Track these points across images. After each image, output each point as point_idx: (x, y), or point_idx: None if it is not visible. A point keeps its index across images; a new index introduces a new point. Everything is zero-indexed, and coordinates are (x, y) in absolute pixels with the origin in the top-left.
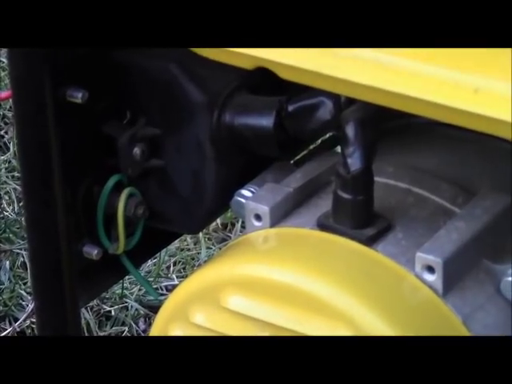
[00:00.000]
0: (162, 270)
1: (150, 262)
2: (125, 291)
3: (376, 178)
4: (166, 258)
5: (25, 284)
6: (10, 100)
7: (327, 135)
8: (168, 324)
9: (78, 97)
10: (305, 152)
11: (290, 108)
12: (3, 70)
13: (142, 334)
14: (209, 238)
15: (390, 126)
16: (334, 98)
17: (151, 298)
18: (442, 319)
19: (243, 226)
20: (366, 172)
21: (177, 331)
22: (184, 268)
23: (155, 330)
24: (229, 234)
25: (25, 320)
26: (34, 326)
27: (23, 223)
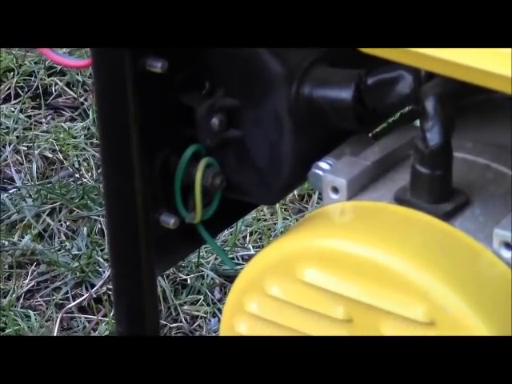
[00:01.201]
0: (239, 239)
1: (226, 232)
2: (201, 260)
3: (454, 153)
4: (243, 227)
5: (102, 251)
6: (90, 67)
7: (406, 109)
8: (243, 294)
9: (158, 66)
10: (383, 125)
11: (369, 81)
12: None
13: (218, 303)
14: (285, 209)
15: (469, 102)
16: (414, 72)
17: (227, 267)
18: None
19: (320, 198)
20: (445, 147)
21: (252, 302)
22: (260, 238)
23: (230, 300)
24: (305, 205)
25: (101, 286)
26: (110, 292)
27: (101, 190)
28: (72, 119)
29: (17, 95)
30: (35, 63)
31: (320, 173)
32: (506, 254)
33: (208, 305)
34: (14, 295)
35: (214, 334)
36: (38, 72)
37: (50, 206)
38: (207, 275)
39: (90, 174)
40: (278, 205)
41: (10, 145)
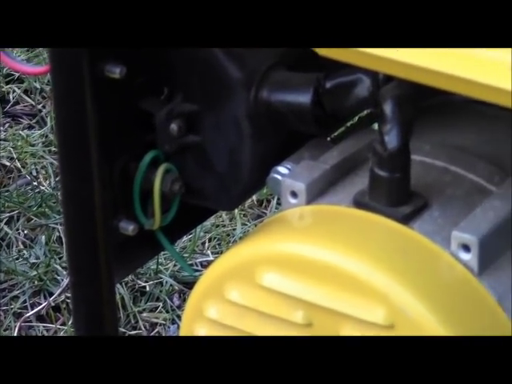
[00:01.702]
0: (197, 246)
1: (185, 238)
2: (160, 267)
3: (413, 156)
4: (202, 234)
5: (60, 259)
6: (48, 74)
7: (365, 112)
8: (203, 300)
9: (116, 72)
10: (342, 129)
11: (328, 84)
12: None
13: (177, 310)
14: (244, 215)
15: (427, 104)
16: (372, 75)
17: (186, 273)
18: (477, 298)
19: (279, 203)
20: (403, 150)
21: (211, 307)
22: (219, 244)
23: (190, 306)
24: (264, 211)
25: (60, 295)
26: (68, 300)
27: (59, 198)
28: (30, 127)
29: None
30: None
31: (279, 177)
32: (464, 256)
33: (167, 312)
34: None
35: None
36: None
37: (8, 214)
38: (166, 282)
39: (48, 182)
40: (236, 210)
41: None
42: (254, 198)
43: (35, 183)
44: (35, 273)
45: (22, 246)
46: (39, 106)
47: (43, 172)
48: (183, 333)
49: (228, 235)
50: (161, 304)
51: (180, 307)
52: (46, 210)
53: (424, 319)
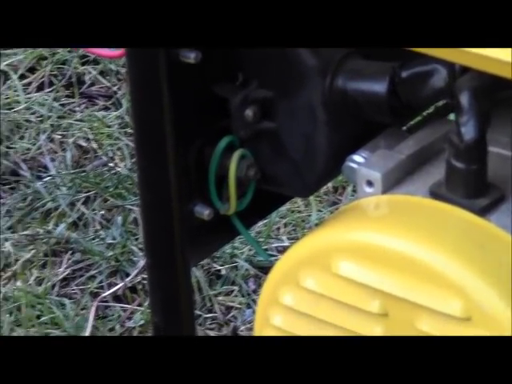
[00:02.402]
0: (273, 231)
1: (260, 223)
2: (235, 251)
3: (490, 148)
4: (277, 219)
5: (136, 240)
6: (124, 58)
7: (441, 103)
8: (278, 286)
9: (191, 57)
10: (418, 119)
11: (404, 74)
12: None
13: (252, 294)
14: (320, 201)
15: (504, 96)
16: (448, 65)
17: (261, 258)
18: None
19: (354, 190)
20: (480, 141)
21: (287, 294)
22: (294, 230)
23: (265, 292)
24: (339, 198)
25: (136, 276)
26: (145, 282)
27: (135, 179)
28: (106, 108)
29: (50, 84)
30: (68, 52)
31: (354, 166)
32: None
33: (242, 296)
34: (49, 283)
35: (248, 325)
36: (72, 61)
37: (85, 194)
38: (241, 266)
39: (123, 164)
40: (312, 197)
41: (44, 133)
42: (330, 184)
43: (111, 164)
44: (112, 253)
45: (98, 227)
46: (115, 88)
47: (119, 153)
48: (258, 318)
49: (303, 221)
50: (236, 288)
51: (255, 292)
52: (123, 191)
53: (501, 314)
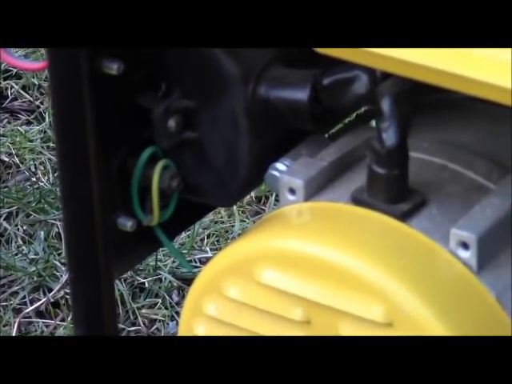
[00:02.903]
0: (196, 242)
1: (183, 235)
2: (158, 263)
3: (411, 153)
4: (200, 230)
5: (59, 255)
6: (46, 70)
7: (362, 109)
8: (201, 297)
9: (114, 68)
10: (340, 126)
11: (325, 81)
12: None
13: (176, 307)
14: (243, 211)
15: (425, 101)
16: (369, 71)
17: (185, 270)
18: (476, 296)
19: (277, 200)
20: (401, 147)
21: (210, 304)
22: (218, 241)
23: (188, 303)
24: (263, 207)
25: (59, 290)
26: (68, 296)
27: (58, 194)
28: (28, 123)
29: None
30: None
31: (277, 174)
32: (462, 253)
33: (166, 308)
34: None
35: None
36: None
37: (7, 210)
38: (165, 278)
39: (46, 178)
40: (235, 207)
41: None
42: (253, 194)
43: (34, 179)
44: (34, 268)
45: (21, 242)
46: (37, 102)
47: (42, 168)
48: (182, 329)
49: (226, 232)
50: (160, 300)
51: (179, 304)
52: (45, 205)
53: (423, 317)
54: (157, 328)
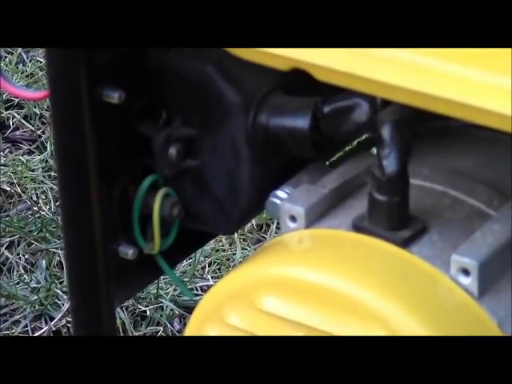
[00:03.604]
0: (197, 270)
1: (185, 263)
2: (160, 291)
3: (411, 180)
4: (201, 258)
5: (61, 283)
6: (48, 100)
7: (363, 137)
8: (203, 324)
9: (115, 97)
10: (340, 153)
11: (326, 109)
12: (41, 70)
13: (177, 334)
14: (244, 239)
15: (425, 128)
16: (370, 99)
17: (186, 298)
18: (478, 322)
19: (278, 228)
20: (402, 174)
21: (211, 332)
22: (219, 269)
23: (190, 331)
24: (264, 235)
25: (60, 319)
26: (69, 325)
27: (59, 223)
28: (30, 152)
29: None
30: None
31: (277, 201)
32: (463, 280)
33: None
34: None
35: None
36: None
37: (9, 239)
38: (166, 306)
39: (48, 207)
40: (236, 235)
41: None
42: (254, 222)
43: (35, 208)
44: (36, 297)
45: (22, 271)
46: (39, 132)
47: (43, 197)
48: None
49: (228, 260)
50: (161, 328)
51: (180, 332)
52: (47, 234)
53: None
54: None
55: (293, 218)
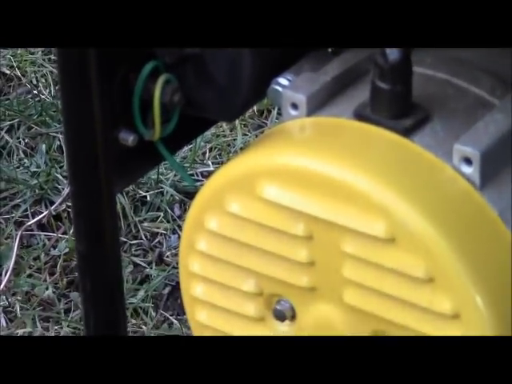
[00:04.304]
0: (198, 156)
1: (185, 148)
2: (160, 177)
3: (414, 69)
4: (202, 144)
5: (61, 168)
6: None
7: None
8: (203, 212)
9: None
10: None
11: None
12: None
13: (178, 220)
14: (245, 125)
15: None
16: None
17: (187, 183)
18: (478, 212)
19: (279, 113)
20: (405, 61)
21: (212, 219)
22: (220, 154)
23: (190, 217)
24: (265, 121)
25: (61, 204)
26: (69, 209)
27: (60, 106)
28: None
29: None
30: None
31: (279, 89)
32: (465, 169)
33: (168, 221)
34: None
35: (174, 251)
36: None
37: (8, 123)
38: (167, 192)
39: (48, 91)
40: (237, 121)
41: None
42: (255, 108)
43: (35, 92)
44: (36, 181)
45: (22, 155)
46: None
47: (43, 80)
48: (183, 243)
49: (228, 145)
50: (162, 214)
51: (181, 217)
52: (47, 118)
53: (425, 232)
54: (158, 241)
55: (294, 106)
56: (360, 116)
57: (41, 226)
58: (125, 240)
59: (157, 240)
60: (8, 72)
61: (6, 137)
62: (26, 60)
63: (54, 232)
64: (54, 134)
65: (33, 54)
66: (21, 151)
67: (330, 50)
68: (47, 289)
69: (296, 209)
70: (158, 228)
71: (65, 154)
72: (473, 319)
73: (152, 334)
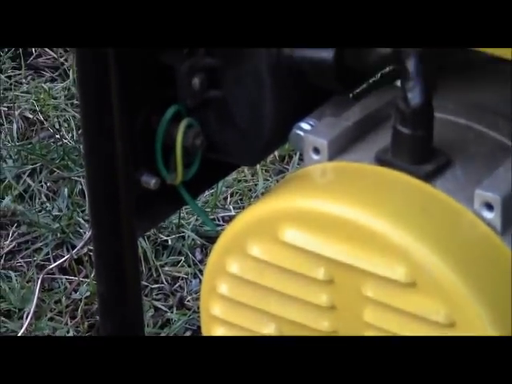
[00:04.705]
0: (219, 200)
1: (207, 193)
2: (182, 221)
3: (436, 114)
4: (224, 188)
5: (83, 212)
6: None
7: (387, 69)
8: (224, 255)
9: None
10: (364, 86)
11: None
12: None
13: (199, 264)
14: (266, 170)
15: (449, 61)
16: None
17: (208, 228)
18: (499, 257)
19: (301, 159)
20: (427, 107)
21: (233, 263)
22: (241, 199)
23: (212, 261)
24: (286, 166)
25: (82, 247)
26: (91, 253)
27: (82, 151)
28: (52, 80)
29: None
30: None
31: (301, 133)
32: (487, 214)
33: (189, 266)
34: None
35: (195, 295)
36: None
37: (31, 166)
38: (188, 236)
39: (70, 135)
40: (258, 166)
41: None
42: (276, 153)
43: (58, 136)
44: (58, 225)
45: (44, 199)
46: (61, 59)
47: (65, 125)
48: (204, 287)
49: (250, 190)
50: (183, 258)
51: (202, 261)
52: (69, 162)
53: (446, 277)
54: (179, 286)
55: (316, 150)
56: (381, 161)
57: (62, 269)
58: (146, 284)
59: (178, 284)
60: (31, 116)
61: (29, 180)
62: (48, 104)
63: (75, 276)
64: (76, 178)
65: (55, 98)
66: (43, 195)
67: (351, 95)
68: (68, 332)
69: (317, 252)
70: (179, 272)
71: (86, 197)
72: None
73: None
